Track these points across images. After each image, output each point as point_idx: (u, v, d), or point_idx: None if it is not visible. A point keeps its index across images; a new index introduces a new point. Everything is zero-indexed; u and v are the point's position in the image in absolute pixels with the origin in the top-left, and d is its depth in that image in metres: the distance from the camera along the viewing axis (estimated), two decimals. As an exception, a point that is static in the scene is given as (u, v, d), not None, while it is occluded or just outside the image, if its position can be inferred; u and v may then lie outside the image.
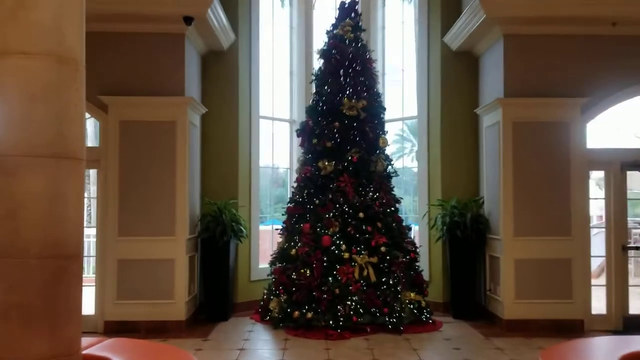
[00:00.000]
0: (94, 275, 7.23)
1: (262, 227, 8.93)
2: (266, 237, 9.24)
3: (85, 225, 6.96)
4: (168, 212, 7.04)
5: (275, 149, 9.26)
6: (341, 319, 6.72)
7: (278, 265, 7.54)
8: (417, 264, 7.56)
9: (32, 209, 3.42)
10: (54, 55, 3.51)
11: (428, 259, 8.24)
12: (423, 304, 7.23)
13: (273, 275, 7.54)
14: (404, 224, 7.69)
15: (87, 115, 7.23)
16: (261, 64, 8.78)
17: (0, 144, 3.50)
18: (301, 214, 7.51)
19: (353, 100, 7.54)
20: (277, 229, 8.25)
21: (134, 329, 6.89)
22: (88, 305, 7.04)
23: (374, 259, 7.10)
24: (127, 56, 7.16)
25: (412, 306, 7.11)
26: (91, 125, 8.89)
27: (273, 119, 9.09)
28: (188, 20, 6.99)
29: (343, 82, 7.70)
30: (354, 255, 7.06)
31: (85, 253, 7.31)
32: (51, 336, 3.44)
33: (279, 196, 9.96)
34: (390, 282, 7.06)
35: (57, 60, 3.53)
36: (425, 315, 7.18)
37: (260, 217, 8.83)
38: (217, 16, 7.39)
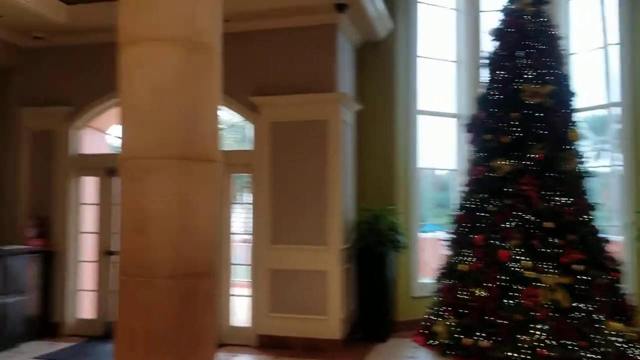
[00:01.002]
0: (250, 283, 6.85)
1: (422, 235, 7.98)
2: (427, 247, 8.27)
3: (239, 231, 6.62)
4: (320, 219, 6.43)
5: (438, 148, 8.25)
6: (524, 351, 5.55)
7: (445, 282, 6.55)
8: (620, 285, 6.10)
9: (161, 221, 2.89)
10: (184, 41, 2.95)
11: (634, 279, 6.68)
12: (631, 336, 5.77)
13: (439, 294, 6.57)
14: (601, 235, 6.27)
15: (241, 118, 6.90)
16: (421, 52, 7.87)
17: (127, 145, 3.05)
18: (472, 222, 6.44)
19: (536, 86, 6.30)
20: (440, 239, 7.25)
21: (287, 345, 6.38)
22: (244, 316, 6.70)
23: (567, 280, 5.80)
24: (277, 54, 6.70)
25: (616, 339, 5.69)
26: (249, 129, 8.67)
27: (435, 114, 8.10)
28: (341, 7, 6.34)
29: (522, 64, 6.46)
30: (540, 275, 5.83)
31: (240, 260, 6.97)
32: (179, 366, 2.90)
33: (442, 201, 8.93)
34: (588, 308, 5.72)
35: (188, 46, 2.96)
36: (634, 351, 5.71)
37: (420, 224, 7.90)
38: (373, 1, 6.65)
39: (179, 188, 2.89)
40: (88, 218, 7.23)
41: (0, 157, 7.48)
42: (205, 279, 3.02)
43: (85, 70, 7.10)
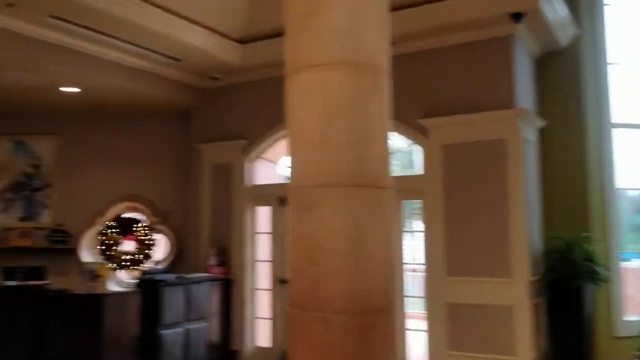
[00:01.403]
0: (423, 316, 6.43)
1: (624, 265, 6.89)
2: (631, 279, 7.13)
3: (410, 261, 6.28)
4: (502, 248, 5.82)
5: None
6: None
7: (658, 321, 5.54)
8: None
9: (332, 252, 2.68)
10: (351, 64, 2.74)
11: None
12: None
13: (651, 334, 5.57)
14: None
15: (408, 142, 6.62)
16: (611, 59, 6.94)
17: (296, 174, 2.91)
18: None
19: None
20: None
21: (470, 386, 5.82)
22: (418, 351, 6.30)
23: None
24: (447, 72, 6.31)
25: None
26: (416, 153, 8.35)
27: (634, 126, 7.03)
28: (517, 16, 5.79)
29: None
30: None
31: (412, 292, 6.59)
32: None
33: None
34: None
35: (355, 68, 2.75)
36: None
37: (620, 252, 6.84)
38: (554, 7, 6.00)
39: (350, 217, 2.67)
40: (263, 246, 7.42)
41: (184, 191, 8.05)
42: (382, 315, 2.74)
43: (258, 104, 7.38)
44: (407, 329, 6.39)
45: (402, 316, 6.39)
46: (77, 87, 6.97)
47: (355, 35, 2.81)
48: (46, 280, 6.18)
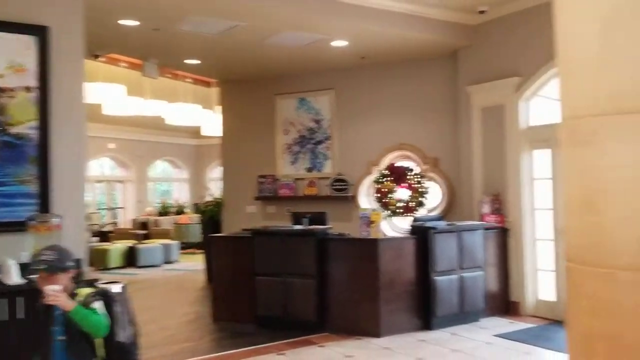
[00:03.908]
0: None
1: None
2: None
3: None
4: None
5: None
6: None
7: None
8: None
9: (618, 196, 2.19)
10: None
11: None
12: None
13: None
14: None
15: None
16: None
17: (568, 101, 2.44)
18: None
19: None
20: None
21: None
22: None
23: None
24: None
25: None
26: None
27: None
28: None
29: None
30: None
31: None
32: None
33: None
34: None
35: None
36: None
37: None
38: None
39: (641, 151, 2.12)
40: (543, 193, 6.78)
41: (455, 136, 7.81)
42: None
43: (530, 36, 6.64)
44: None
45: None
46: (346, 40, 7.24)
47: None
48: (328, 225, 6.69)
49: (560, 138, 2.47)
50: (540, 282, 6.80)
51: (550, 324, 6.33)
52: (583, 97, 2.32)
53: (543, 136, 6.65)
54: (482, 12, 7.02)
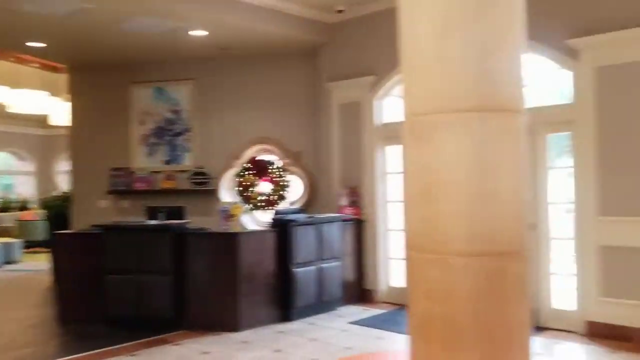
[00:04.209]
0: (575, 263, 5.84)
1: None
2: None
3: (559, 201, 5.66)
4: (669, 184, 5.02)
5: None
6: None
7: None
8: None
9: (453, 187, 2.36)
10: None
11: None
12: None
13: None
14: None
15: (557, 66, 5.85)
16: None
17: (410, 99, 2.59)
18: None
19: None
20: None
21: (626, 336, 5.22)
22: (567, 298, 5.77)
23: None
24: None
25: None
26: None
27: None
28: None
29: None
30: None
31: (562, 234, 5.97)
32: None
33: None
34: None
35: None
36: None
37: None
38: None
39: (473, 147, 2.32)
40: (395, 186, 7.18)
41: (315, 131, 7.99)
42: (513, 259, 2.39)
43: (386, 37, 6.94)
44: (554, 274, 5.86)
45: (548, 260, 5.86)
46: (205, 30, 7.08)
47: None
48: (187, 219, 6.52)
49: (403, 134, 2.61)
50: (392, 270, 7.21)
51: (400, 309, 6.71)
52: (422, 95, 2.47)
53: (395, 133, 7.02)
54: (340, 11, 7.24)
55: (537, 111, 5.89)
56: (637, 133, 5.22)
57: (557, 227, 5.92)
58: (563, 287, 5.86)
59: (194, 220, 6.65)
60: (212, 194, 8.32)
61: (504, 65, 2.32)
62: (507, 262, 2.36)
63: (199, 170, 8.43)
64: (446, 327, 2.41)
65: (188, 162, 8.59)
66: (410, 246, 2.56)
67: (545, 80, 6.22)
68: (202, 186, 8.38)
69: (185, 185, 8.48)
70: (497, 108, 2.29)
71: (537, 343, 5.35)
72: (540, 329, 5.72)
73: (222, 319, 5.91)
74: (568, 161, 5.83)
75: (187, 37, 7.27)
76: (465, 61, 2.28)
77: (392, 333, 5.79)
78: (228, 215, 6.22)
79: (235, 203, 6.90)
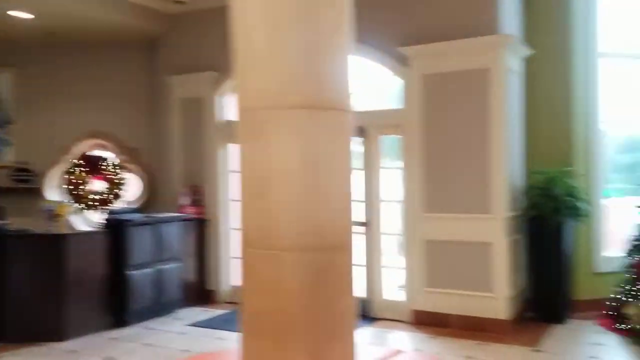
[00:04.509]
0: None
1: (606, 201, 6.67)
2: (613, 215, 6.95)
3: (390, 199, 6.02)
4: (481, 184, 5.60)
5: (627, 98, 6.83)
6: None
7: (638, 256, 5.41)
8: None
9: (283, 183, 2.40)
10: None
11: None
12: None
13: (630, 270, 5.46)
14: None
15: (390, 72, 6.22)
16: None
17: (243, 95, 2.58)
18: (677, 184, 5.19)
19: None
20: (630, 205, 6.00)
21: (446, 323, 5.72)
22: (399, 290, 6.18)
23: None
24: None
25: None
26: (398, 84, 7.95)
27: (622, 55, 6.66)
28: None
29: None
30: None
31: (393, 230, 6.38)
32: (311, 357, 2.42)
33: (630, 163, 7.47)
34: None
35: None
36: None
37: (603, 188, 6.62)
38: None
39: (302, 143, 2.37)
40: (237, 185, 7.12)
41: (154, 126, 7.67)
42: (340, 253, 2.48)
43: (227, 32, 6.90)
44: (385, 267, 6.24)
45: (380, 253, 6.23)
46: (30, 13, 6.44)
47: None
48: (5, 220, 5.89)
49: (237, 129, 2.59)
50: (234, 270, 7.15)
51: (242, 308, 6.70)
52: (255, 90, 2.47)
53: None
54: (179, 2, 7.00)
55: (371, 114, 6.26)
56: (457, 138, 5.74)
57: (388, 223, 6.32)
58: (394, 279, 6.27)
59: (15, 222, 6.01)
60: (37, 192, 7.60)
61: (330, 65, 2.40)
62: (335, 256, 2.44)
63: (22, 166, 7.66)
64: (276, 322, 2.43)
65: (9, 157, 7.76)
66: (246, 243, 2.55)
67: (381, 85, 6.60)
68: (26, 184, 7.62)
69: (6, 182, 7.65)
70: (324, 106, 2.36)
71: (369, 333, 5.66)
72: (373, 319, 6.06)
73: (46, 328, 5.42)
74: (399, 162, 6.24)
75: (7, 18, 6.55)
76: (294, 59, 2.32)
77: (232, 333, 5.73)
78: (53, 215, 5.72)
79: (61, 202, 6.38)
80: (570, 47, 6.29)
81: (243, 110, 2.52)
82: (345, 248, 2.47)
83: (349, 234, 2.49)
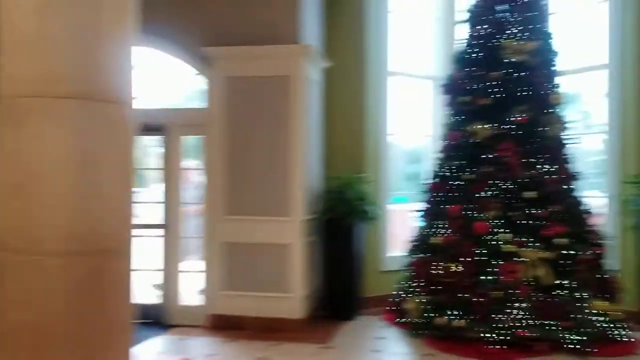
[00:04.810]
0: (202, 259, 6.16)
1: (392, 206, 7.34)
2: (398, 219, 7.67)
3: (191, 201, 5.88)
4: (281, 187, 5.76)
5: (412, 113, 7.59)
6: (502, 331, 5.05)
7: (417, 255, 6.00)
8: (604, 261, 5.63)
9: (48, 180, 2.14)
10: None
11: (619, 255, 6.20)
12: (617, 316, 5.31)
13: (410, 268, 6.03)
14: (584, 207, 5.76)
15: (195, 71, 6.09)
16: (392, 7, 7.12)
17: (7, 80, 2.30)
18: (447, 192, 5.86)
19: (519, 42, 5.67)
20: (412, 210, 6.67)
21: (243, 325, 5.75)
22: (200, 295, 6.04)
23: (549, 255, 5.29)
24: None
25: (600, 319, 5.23)
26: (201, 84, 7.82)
27: (409, 75, 7.38)
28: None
29: (504, 19, 5.84)
30: (520, 249, 5.30)
31: (192, 233, 6.24)
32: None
33: (414, 172, 8.31)
34: (571, 285, 5.24)
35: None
36: (620, 332, 5.26)
37: (390, 194, 7.27)
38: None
39: (73, 136, 2.18)
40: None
41: None
42: (115, 257, 2.33)
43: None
44: (182, 271, 6.07)
45: (177, 258, 6.05)
46: None
47: None
48: None
49: (-3, 118, 2.29)
50: None
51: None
52: (20, 76, 2.22)
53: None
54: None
55: (173, 112, 6.09)
56: (258, 142, 5.82)
57: (187, 226, 6.17)
58: (195, 284, 6.13)
59: None
60: None
61: (109, 55, 2.24)
62: (108, 261, 2.28)
63: None
64: (38, 334, 2.19)
65: None
66: (2, 247, 2.26)
67: (185, 83, 6.44)
68: None
69: None
70: (99, 98, 2.20)
71: (162, 341, 5.46)
72: (169, 326, 5.86)
73: None
74: (201, 163, 6.14)
75: None
76: (65, 44, 2.13)
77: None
78: None
79: None
80: (364, 64, 6.80)
81: (7, 97, 2.23)
82: (121, 252, 2.32)
83: (126, 237, 2.35)
